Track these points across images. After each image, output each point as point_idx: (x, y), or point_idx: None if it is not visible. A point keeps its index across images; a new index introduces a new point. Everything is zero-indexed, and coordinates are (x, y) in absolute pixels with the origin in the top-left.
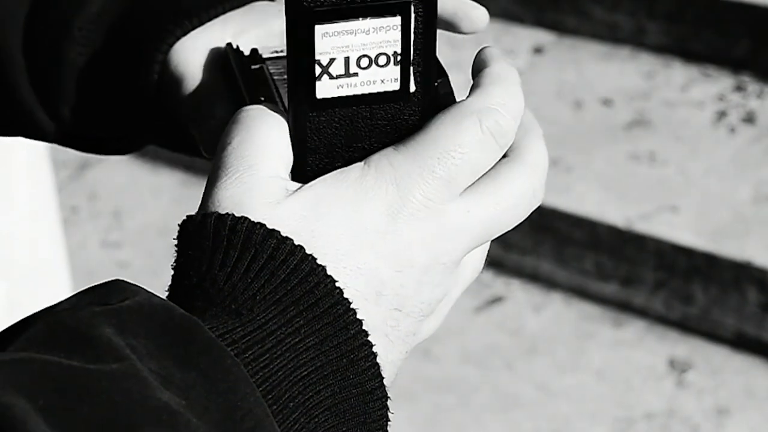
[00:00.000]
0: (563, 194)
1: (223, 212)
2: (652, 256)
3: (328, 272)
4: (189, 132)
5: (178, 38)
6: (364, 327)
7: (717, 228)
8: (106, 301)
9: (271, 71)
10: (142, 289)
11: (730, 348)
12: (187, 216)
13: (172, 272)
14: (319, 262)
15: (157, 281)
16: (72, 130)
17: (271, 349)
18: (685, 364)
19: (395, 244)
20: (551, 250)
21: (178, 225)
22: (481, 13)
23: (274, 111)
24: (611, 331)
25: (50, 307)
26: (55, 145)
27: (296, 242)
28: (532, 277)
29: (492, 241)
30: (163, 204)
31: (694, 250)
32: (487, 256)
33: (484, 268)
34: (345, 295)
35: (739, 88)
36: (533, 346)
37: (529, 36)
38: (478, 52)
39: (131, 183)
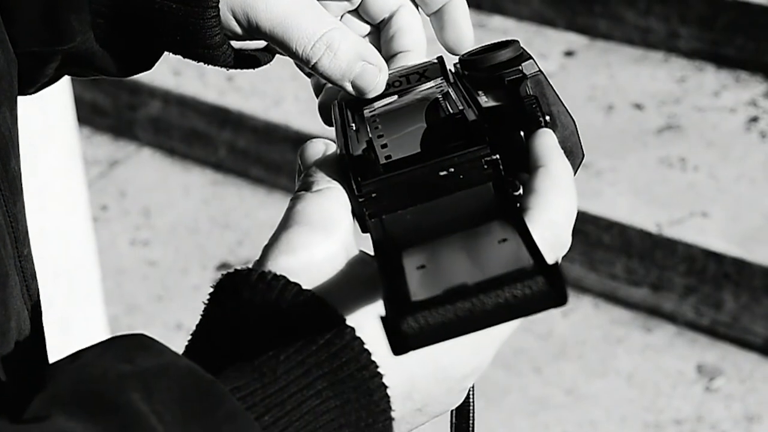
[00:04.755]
0: (594, 198)
1: (270, 269)
2: (683, 262)
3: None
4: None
5: None
6: (387, 392)
7: (747, 234)
8: (132, 358)
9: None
10: (167, 348)
11: (759, 354)
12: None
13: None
14: (355, 333)
15: (186, 280)
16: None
17: (291, 411)
18: (714, 370)
19: (440, 357)
20: (581, 254)
21: (226, 274)
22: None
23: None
24: (641, 336)
25: (74, 356)
26: (85, 143)
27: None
28: None
29: None
30: (193, 202)
31: (725, 255)
32: None
33: None
34: (372, 359)
35: None
36: (562, 349)
37: (561, 39)
38: (535, 136)
39: (161, 181)
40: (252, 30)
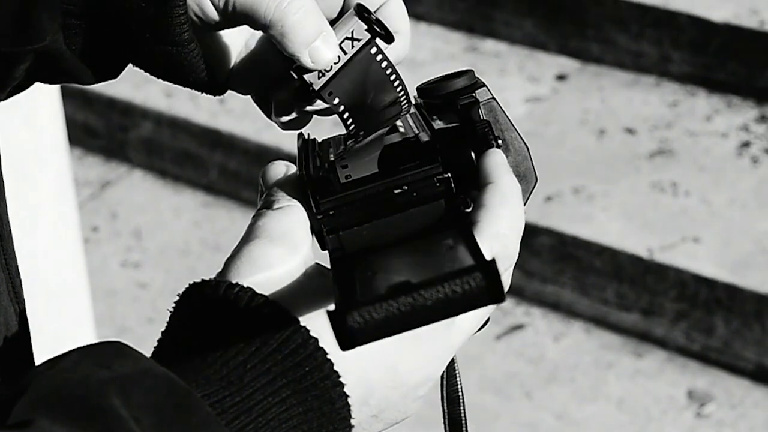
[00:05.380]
0: (585, 223)
1: (234, 281)
2: (674, 287)
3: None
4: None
5: None
6: (348, 401)
7: (739, 259)
8: (109, 364)
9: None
10: (143, 356)
11: (750, 380)
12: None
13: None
14: (318, 344)
15: None
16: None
17: (257, 418)
18: (705, 396)
19: (394, 362)
20: (572, 278)
21: (191, 284)
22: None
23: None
24: (631, 361)
25: (52, 362)
26: (77, 164)
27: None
28: (553, 305)
29: (513, 268)
30: (184, 224)
31: (716, 281)
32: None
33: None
34: (334, 368)
35: (763, 119)
36: (553, 374)
37: (553, 63)
38: (485, 155)
39: (152, 203)
40: (222, 3)
